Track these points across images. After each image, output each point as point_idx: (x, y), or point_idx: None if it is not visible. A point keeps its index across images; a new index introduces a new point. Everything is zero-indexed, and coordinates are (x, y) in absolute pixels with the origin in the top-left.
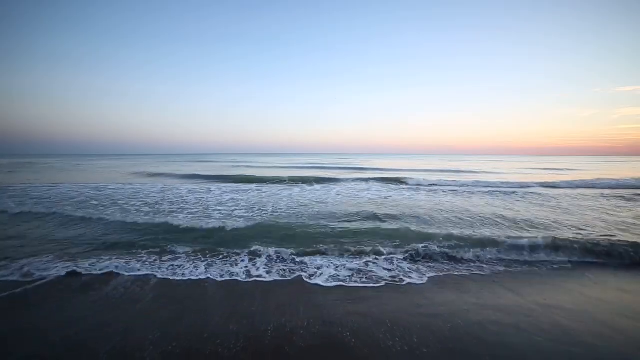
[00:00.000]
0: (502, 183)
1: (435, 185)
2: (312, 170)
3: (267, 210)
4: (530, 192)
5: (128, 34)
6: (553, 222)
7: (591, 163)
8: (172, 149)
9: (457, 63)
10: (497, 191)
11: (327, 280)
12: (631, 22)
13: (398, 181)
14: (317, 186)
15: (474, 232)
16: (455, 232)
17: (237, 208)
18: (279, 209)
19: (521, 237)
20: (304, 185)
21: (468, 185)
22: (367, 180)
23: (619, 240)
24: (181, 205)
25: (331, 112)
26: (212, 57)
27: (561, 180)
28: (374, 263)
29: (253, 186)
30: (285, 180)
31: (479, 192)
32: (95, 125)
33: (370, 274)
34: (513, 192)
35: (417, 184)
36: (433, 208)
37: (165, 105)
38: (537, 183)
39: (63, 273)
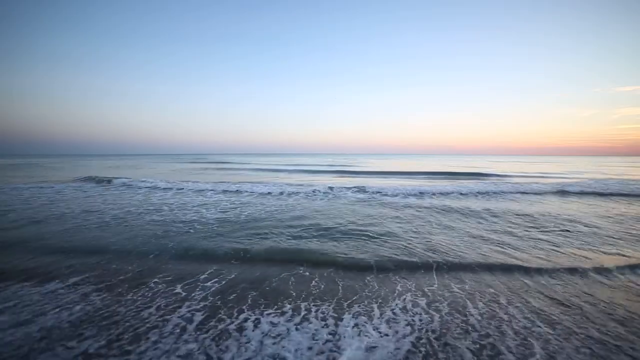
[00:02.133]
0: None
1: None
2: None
3: None
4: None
5: (128, 34)
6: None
7: (592, 164)
8: (172, 149)
9: (457, 63)
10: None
11: None
12: (631, 22)
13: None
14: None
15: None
16: None
17: None
18: None
19: None
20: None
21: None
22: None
23: None
24: None
25: (331, 112)
26: (212, 57)
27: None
28: None
29: None
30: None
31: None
32: (95, 125)
33: None
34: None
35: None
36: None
37: (165, 105)
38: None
39: None
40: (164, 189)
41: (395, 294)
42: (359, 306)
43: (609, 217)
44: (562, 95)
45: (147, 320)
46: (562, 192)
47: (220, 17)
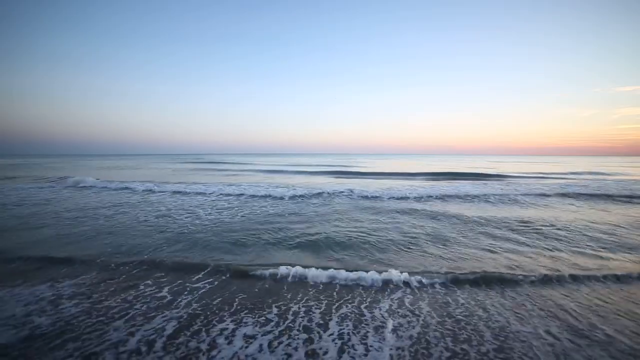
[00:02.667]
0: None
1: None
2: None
3: None
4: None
5: (128, 34)
6: None
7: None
8: (172, 149)
9: (457, 63)
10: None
11: None
12: (631, 22)
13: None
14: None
15: None
16: None
17: None
18: None
19: None
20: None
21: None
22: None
23: None
24: None
25: (331, 112)
26: (212, 57)
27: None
28: None
29: None
30: None
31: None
32: (95, 125)
33: None
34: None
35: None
36: None
37: (165, 105)
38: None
39: None
40: (133, 190)
41: (385, 309)
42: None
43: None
44: (562, 95)
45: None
46: (565, 194)
47: (220, 17)
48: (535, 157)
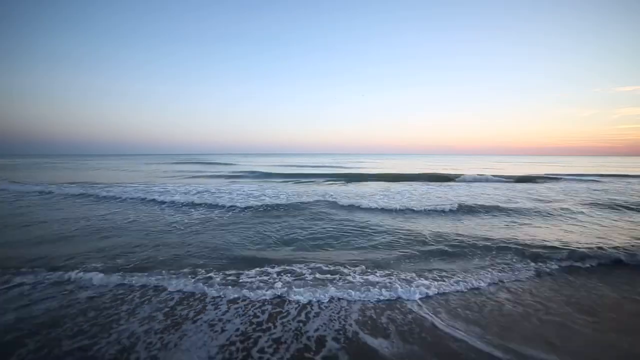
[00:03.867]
0: None
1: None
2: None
3: None
4: None
5: (128, 34)
6: None
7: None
8: (172, 149)
9: (457, 63)
10: None
11: None
12: (631, 22)
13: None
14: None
15: None
16: None
17: None
18: None
19: None
20: None
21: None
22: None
23: None
24: None
25: (331, 112)
26: (212, 57)
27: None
28: None
29: None
30: None
31: None
32: (95, 125)
33: None
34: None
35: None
36: None
37: (165, 105)
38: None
39: None
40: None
41: None
42: None
43: None
44: (562, 95)
45: None
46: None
47: (220, 17)
48: (536, 157)
